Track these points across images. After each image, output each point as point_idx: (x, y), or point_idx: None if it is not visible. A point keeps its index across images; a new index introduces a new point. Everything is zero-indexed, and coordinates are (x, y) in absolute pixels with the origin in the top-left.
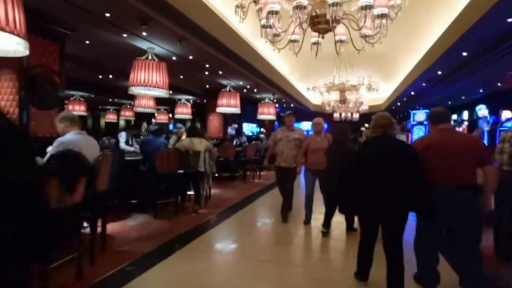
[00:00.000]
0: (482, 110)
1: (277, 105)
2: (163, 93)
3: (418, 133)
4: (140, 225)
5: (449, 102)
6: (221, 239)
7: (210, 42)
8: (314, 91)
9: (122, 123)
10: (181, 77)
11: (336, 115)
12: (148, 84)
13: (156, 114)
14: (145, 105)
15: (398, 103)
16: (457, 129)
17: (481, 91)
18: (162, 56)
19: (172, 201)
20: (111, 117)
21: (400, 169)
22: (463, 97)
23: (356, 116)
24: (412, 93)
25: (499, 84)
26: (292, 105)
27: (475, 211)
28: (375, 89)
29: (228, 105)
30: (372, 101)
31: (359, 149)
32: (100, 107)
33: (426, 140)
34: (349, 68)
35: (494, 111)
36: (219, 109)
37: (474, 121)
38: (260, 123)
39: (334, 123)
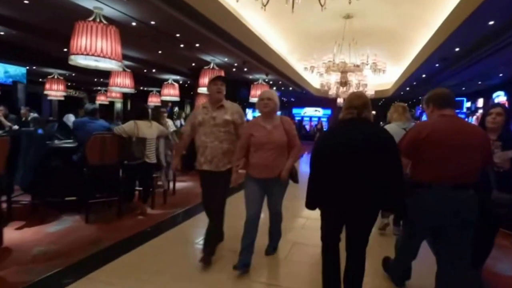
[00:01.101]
0: (500, 97)
1: (275, 89)
2: (113, 65)
3: None
4: (61, 232)
5: (463, 88)
6: (162, 254)
7: (174, 5)
8: (312, 72)
9: (118, 105)
10: (159, 52)
11: (339, 100)
12: (91, 53)
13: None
14: (120, 84)
15: (407, 88)
16: (469, 118)
17: (500, 75)
18: (117, 20)
19: (114, 200)
20: (102, 99)
21: (374, 159)
22: (480, 82)
23: None
24: (423, 75)
25: None
26: (291, 88)
27: (475, 213)
28: (381, 70)
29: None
30: (378, 86)
31: (326, 132)
32: (94, 88)
33: (428, 127)
34: (353, 46)
35: None
36: (201, 90)
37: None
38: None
39: (338, 109)
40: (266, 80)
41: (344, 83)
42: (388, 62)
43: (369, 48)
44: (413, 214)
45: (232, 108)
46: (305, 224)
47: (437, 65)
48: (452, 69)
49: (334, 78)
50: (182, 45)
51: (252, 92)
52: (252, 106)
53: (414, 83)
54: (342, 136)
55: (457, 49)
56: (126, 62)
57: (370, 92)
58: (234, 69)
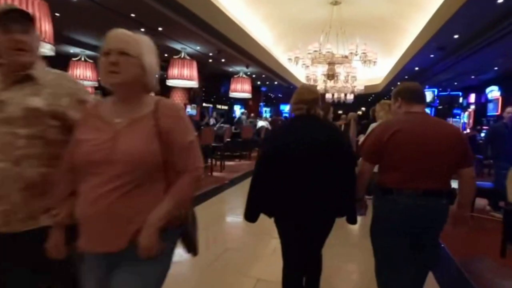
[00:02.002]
0: (493, 93)
1: (259, 83)
2: (44, 48)
3: None
4: None
5: (455, 83)
6: None
7: None
8: (297, 63)
9: None
10: None
11: (328, 95)
12: None
13: None
14: (81, 76)
15: (398, 83)
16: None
17: (495, 68)
18: None
19: None
20: None
21: (326, 160)
22: (473, 77)
23: (350, 97)
24: (416, 68)
25: None
26: (276, 82)
27: (442, 226)
28: (371, 61)
29: (181, 76)
30: (367, 82)
31: (273, 132)
32: None
33: (394, 125)
34: (341, 36)
35: (508, 94)
36: (170, 82)
37: (482, 105)
38: (244, 104)
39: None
40: (249, 73)
41: (331, 75)
42: (379, 54)
43: (358, 38)
44: (380, 226)
45: (56, 82)
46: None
47: (432, 55)
48: (449, 60)
49: (320, 70)
50: (142, 29)
51: (232, 86)
52: (240, 101)
53: (406, 77)
54: (290, 135)
55: (456, 36)
56: (80, 51)
57: (359, 87)
58: (210, 60)
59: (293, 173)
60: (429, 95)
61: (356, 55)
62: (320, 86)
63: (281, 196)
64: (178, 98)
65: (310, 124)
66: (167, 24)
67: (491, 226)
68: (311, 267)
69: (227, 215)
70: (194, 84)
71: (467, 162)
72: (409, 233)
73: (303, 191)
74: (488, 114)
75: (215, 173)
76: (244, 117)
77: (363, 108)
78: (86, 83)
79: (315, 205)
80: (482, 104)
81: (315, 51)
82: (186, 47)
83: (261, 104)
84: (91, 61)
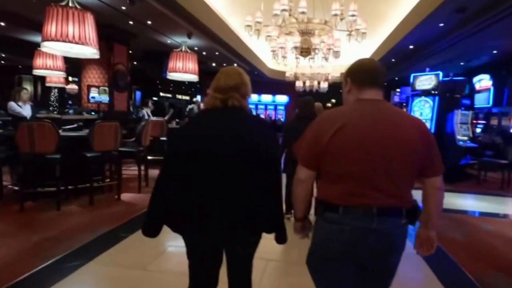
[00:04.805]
0: (483, 82)
1: (214, 64)
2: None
3: (420, 109)
4: None
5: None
6: None
7: None
8: (259, 34)
9: None
10: None
11: (298, 84)
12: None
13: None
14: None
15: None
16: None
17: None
18: None
19: None
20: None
21: (247, 164)
22: (462, 63)
23: (324, 86)
24: (411, 46)
25: None
26: (235, 64)
27: (400, 254)
28: (360, 32)
29: (63, 36)
30: (343, 67)
31: (184, 125)
32: None
33: (337, 118)
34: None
35: (500, 85)
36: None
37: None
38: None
39: (297, 96)
40: (196, 49)
41: (306, 50)
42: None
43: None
44: (319, 252)
45: None
46: None
47: (441, 24)
48: (457, 33)
49: (291, 44)
50: None
51: (171, 64)
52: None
53: (393, 60)
54: (198, 130)
55: None
56: None
57: (334, 73)
58: (131, 22)
59: (197, 176)
60: (428, 81)
61: (341, 19)
62: (289, 69)
63: (182, 204)
64: (91, 79)
65: (229, 118)
66: None
67: None
68: None
69: None
70: (91, 53)
71: (434, 169)
72: (355, 262)
73: (207, 199)
74: (476, 106)
75: (128, 195)
76: (195, 107)
77: (333, 100)
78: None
79: (223, 216)
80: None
81: (284, 10)
82: None
83: None
84: None
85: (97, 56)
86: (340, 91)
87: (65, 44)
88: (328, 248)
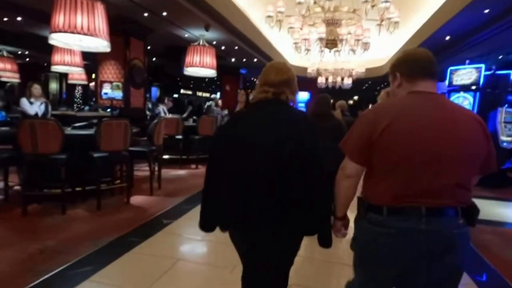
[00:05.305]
0: None
1: (233, 60)
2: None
3: None
4: None
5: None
6: None
7: None
8: (279, 27)
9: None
10: None
11: (320, 80)
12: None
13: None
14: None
15: None
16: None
17: None
18: None
19: None
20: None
21: (293, 160)
22: (500, 57)
23: (348, 82)
24: (447, 37)
25: None
26: (255, 59)
27: (468, 256)
28: (392, 21)
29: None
30: (367, 63)
31: (228, 121)
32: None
33: (388, 113)
34: None
35: None
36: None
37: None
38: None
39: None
40: (214, 42)
41: (332, 41)
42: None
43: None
44: (363, 253)
45: None
46: None
47: (486, 11)
48: (505, 20)
49: (315, 35)
50: None
51: (188, 59)
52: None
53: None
54: (259, 129)
55: None
56: None
57: (359, 69)
58: (134, 3)
59: (246, 176)
60: (468, 75)
61: (373, 6)
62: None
63: (230, 205)
64: (107, 75)
65: (277, 112)
66: None
67: None
68: None
69: None
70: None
71: (492, 166)
72: (405, 267)
73: (256, 199)
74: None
75: (138, 198)
76: (213, 104)
77: (356, 97)
78: None
79: (269, 217)
80: None
81: None
82: None
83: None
84: None
85: (108, 49)
86: (363, 87)
87: (74, 36)
88: (375, 254)
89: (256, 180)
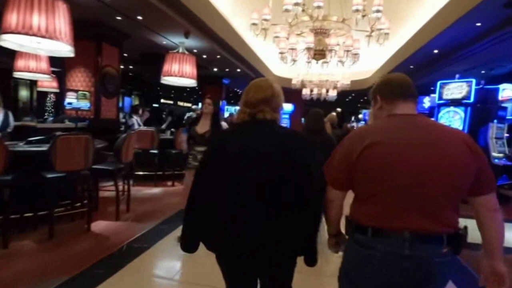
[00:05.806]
0: (506, 91)
1: (216, 69)
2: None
3: (448, 121)
4: None
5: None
6: None
7: None
8: (264, 35)
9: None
10: None
11: (305, 91)
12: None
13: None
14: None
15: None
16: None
17: None
18: None
19: None
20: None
21: (278, 182)
22: (483, 71)
23: (333, 94)
24: (435, 51)
25: None
26: (238, 69)
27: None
28: (382, 32)
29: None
30: (353, 75)
31: (214, 141)
32: None
33: (368, 134)
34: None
35: None
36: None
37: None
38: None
39: (304, 105)
40: (195, 51)
41: (320, 52)
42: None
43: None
44: (348, 272)
45: None
46: None
47: (478, 24)
48: (497, 33)
49: (302, 45)
50: None
51: (166, 67)
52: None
53: (411, 66)
54: (237, 152)
55: None
56: None
57: (344, 81)
58: (105, 4)
59: (230, 194)
60: (458, 89)
61: (363, 16)
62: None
63: (214, 223)
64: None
65: (255, 133)
66: None
67: None
68: None
69: None
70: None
71: (484, 186)
72: None
73: (241, 219)
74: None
75: (101, 224)
76: (194, 115)
77: (339, 109)
78: None
79: (255, 238)
80: None
81: (296, 4)
82: None
83: (223, 101)
84: None
85: (72, 54)
86: (347, 99)
87: (31, 38)
88: (358, 274)
89: (247, 189)
